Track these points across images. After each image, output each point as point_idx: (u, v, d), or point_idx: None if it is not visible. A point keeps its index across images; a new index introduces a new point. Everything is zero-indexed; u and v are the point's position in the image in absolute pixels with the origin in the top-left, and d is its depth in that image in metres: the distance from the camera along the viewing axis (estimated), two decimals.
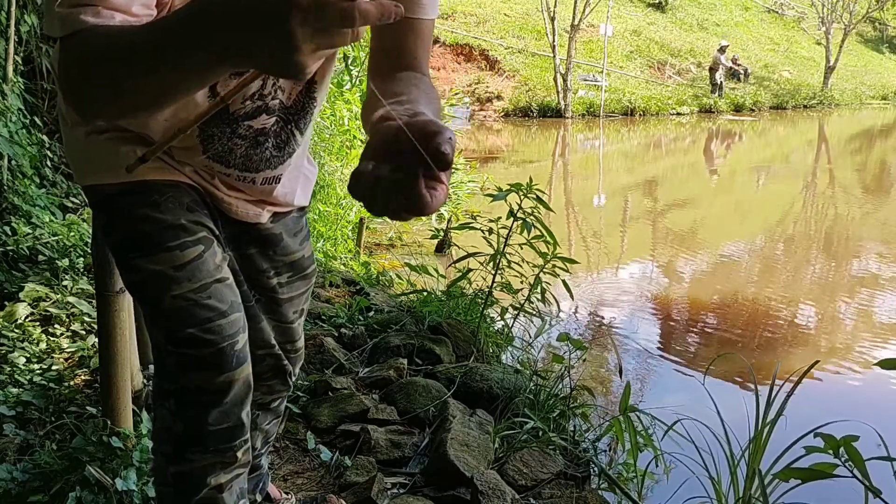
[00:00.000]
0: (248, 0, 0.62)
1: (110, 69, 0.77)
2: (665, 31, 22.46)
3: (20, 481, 1.62)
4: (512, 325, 3.31)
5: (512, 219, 2.96)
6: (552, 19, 15.53)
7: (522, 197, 2.91)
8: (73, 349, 2.36)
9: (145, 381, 2.03)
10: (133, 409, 1.81)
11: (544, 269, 2.99)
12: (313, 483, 1.92)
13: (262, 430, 1.53)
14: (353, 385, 2.45)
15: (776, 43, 25.43)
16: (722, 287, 5.28)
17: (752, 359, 3.79)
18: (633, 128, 16.24)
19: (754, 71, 21.73)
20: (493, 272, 3.07)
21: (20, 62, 3.25)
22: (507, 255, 3.04)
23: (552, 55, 15.83)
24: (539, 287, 3.02)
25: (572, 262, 3.06)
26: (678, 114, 17.95)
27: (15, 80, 3.10)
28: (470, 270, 3.24)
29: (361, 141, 6.71)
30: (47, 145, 3.31)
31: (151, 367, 2.05)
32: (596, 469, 2.26)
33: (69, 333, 2.48)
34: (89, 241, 2.88)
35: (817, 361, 2.43)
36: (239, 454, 1.19)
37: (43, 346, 2.36)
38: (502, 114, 16.35)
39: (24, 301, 2.51)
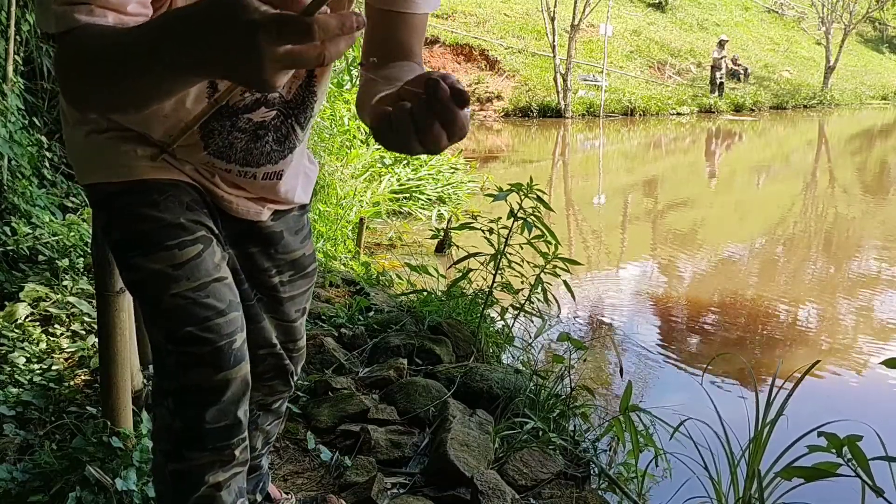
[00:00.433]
0: (218, 19, 0.65)
1: (99, 69, 0.81)
2: (665, 31, 22.46)
3: (20, 481, 1.62)
4: (512, 325, 3.31)
5: (512, 219, 2.96)
6: (552, 19, 15.53)
7: (523, 197, 2.91)
8: (73, 349, 2.36)
9: (145, 381, 2.03)
10: (133, 409, 1.81)
11: (545, 270, 2.99)
12: (313, 483, 1.92)
13: (263, 430, 1.53)
14: (353, 385, 2.45)
15: (776, 43, 25.43)
16: (722, 287, 5.27)
17: (752, 359, 3.79)
18: (633, 128, 16.24)
19: (754, 71, 21.73)
20: (493, 272, 3.06)
21: (20, 62, 3.25)
22: (508, 255, 3.04)
23: (552, 55, 15.83)
24: (540, 287, 3.02)
25: (574, 262, 3.06)
26: (678, 114, 17.95)
27: (15, 80, 3.10)
28: (470, 270, 3.24)
29: (361, 140, 6.72)
30: (47, 145, 3.31)
31: (151, 367, 2.06)
32: (596, 469, 2.26)
33: (69, 333, 2.48)
34: (89, 241, 2.88)
35: (818, 361, 2.42)
36: (237, 452, 1.19)
37: (43, 346, 2.35)
38: (502, 114, 16.35)
39: (24, 301, 2.51)
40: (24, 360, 2.25)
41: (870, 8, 23.59)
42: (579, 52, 17.71)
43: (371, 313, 3.16)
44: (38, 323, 2.48)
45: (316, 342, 2.64)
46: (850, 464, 1.44)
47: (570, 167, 11.63)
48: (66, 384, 2.15)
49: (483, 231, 3.11)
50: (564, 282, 3.00)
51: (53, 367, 2.25)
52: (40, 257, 2.84)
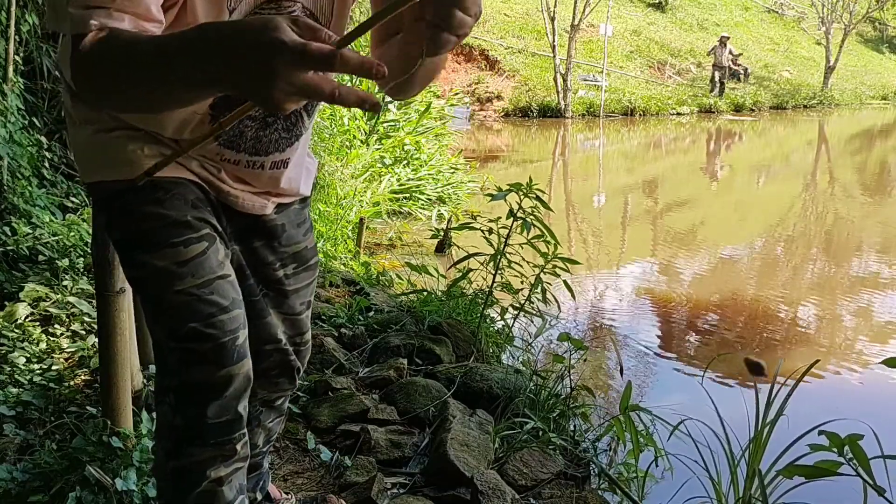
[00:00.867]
0: (249, 41, 0.69)
1: (115, 73, 0.84)
2: (665, 31, 22.45)
3: (20, 481, 1.62)
4: (512, 325, 3.31)
5: (512, 219, 2.96)
6: (552, 19, 15.52)
7: (522, 197, 2.91)
8: (73, 349, 2.36)
9: (145, 380, 2.03)
10: (133, 409, 1.81)
11: (545, 269, 2.99)
12: (313, 483, 1.92)
13: (265, 427, 1.54)
14: (353, 385, 2.45)
15: (776, 43, 25.43)
16: (722, 287, 5.27)
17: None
18: (633, 128, 16.23)
19: (754, 71, 21.72)
20: (493, 272, 3.06)
21: (20, 62, 3.25)
22: (508, 255, 3.04)
23: (552, 55, 15.82)
24: (540, 287, 3.02)
25: (574, 262, 3.05)
26: (678, 114, 17.94)
27: (15, 80, 3.10)
28: (470, 270, 3.24)
29: (361, 141, 6.72)
30: (46, 145, 3.30)
31: (152, 366, 2.06)
32: (596, 469, 2.26)
33: (69, 333, 2.48)
34: (89, 241, 2.88)
35: (817, 361, 2.42)
36: (238, 447, 1.20)
37: (43, 346, 2.36)
38: (502, 114, 16.35)
39: (24, 301, 2.52)
40: (24, 360, 2.25)
41: (870, 8, 23.59)
42: (579, 52, 17.70)
43: (371, 313, 3.16)
44: (38, 323, 2.48)
45: (316, 342, 2.64)
46: (850, 463, 1.44)
47: (569, 167, 11.62)
48: (66, 384, 2.15)
49: (483, 231, 3.11)
50: (564, 281, 3.00)
51: (53, 367, 2.25)
52: (40, 257, 2.84)
